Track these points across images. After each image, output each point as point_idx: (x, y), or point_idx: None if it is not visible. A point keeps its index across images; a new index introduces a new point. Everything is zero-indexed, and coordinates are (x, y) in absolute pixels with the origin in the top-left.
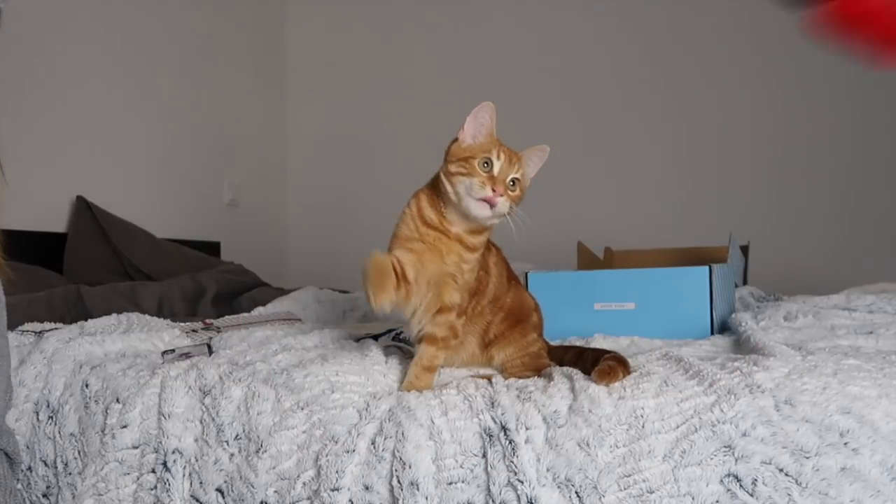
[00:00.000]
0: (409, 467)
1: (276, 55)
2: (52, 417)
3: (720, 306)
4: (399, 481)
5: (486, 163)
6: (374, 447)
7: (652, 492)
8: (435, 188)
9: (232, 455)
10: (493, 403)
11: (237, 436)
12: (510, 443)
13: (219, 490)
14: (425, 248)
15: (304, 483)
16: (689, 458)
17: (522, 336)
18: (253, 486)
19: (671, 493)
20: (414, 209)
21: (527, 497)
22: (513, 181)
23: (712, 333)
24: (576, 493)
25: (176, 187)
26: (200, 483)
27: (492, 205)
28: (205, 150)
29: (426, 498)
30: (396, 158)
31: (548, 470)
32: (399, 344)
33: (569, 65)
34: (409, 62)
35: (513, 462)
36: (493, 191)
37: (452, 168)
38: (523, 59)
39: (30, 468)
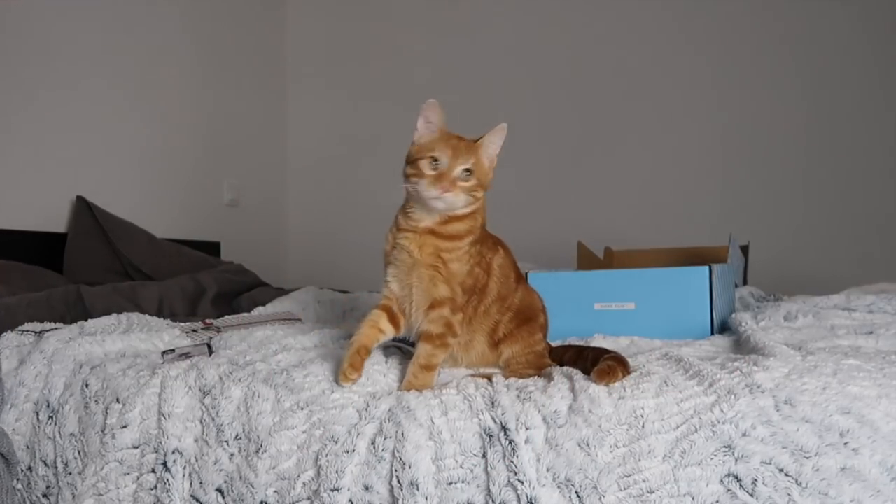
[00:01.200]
0: (409, 467)
1: (276, 55)
2: (52, 417)
3: (720, 306)
4: (399, 481)
5: (434, 160)
6: (374, 447)
7: (652, 492)
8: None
9: (232, 455)
10: (493, 403)
11: (237, 436)
12: (510, 443)
13: (219, 490)
14: (400, 250)
15: (304, 483)
16: (689, 458)
17: (530, 335)
18: (253, 486)
19: (671, 493)
20: (392, 223)
21: (527, 497)
22: (466, 171)
23: (712, 333)
24: (576, 493)
25: (176, 187)
26: (200, 483)
27: (443, 200)
28: (205, 150)
29: (426, 498)
30: (397, 158)
31: (548, 470)
32: (399, 344)
33: (569, 65)
34: (409, 62)
35: (513, 462)
36: (441, 188)
37: (408, 171)
38: (524, 58)
39: (30, 468)
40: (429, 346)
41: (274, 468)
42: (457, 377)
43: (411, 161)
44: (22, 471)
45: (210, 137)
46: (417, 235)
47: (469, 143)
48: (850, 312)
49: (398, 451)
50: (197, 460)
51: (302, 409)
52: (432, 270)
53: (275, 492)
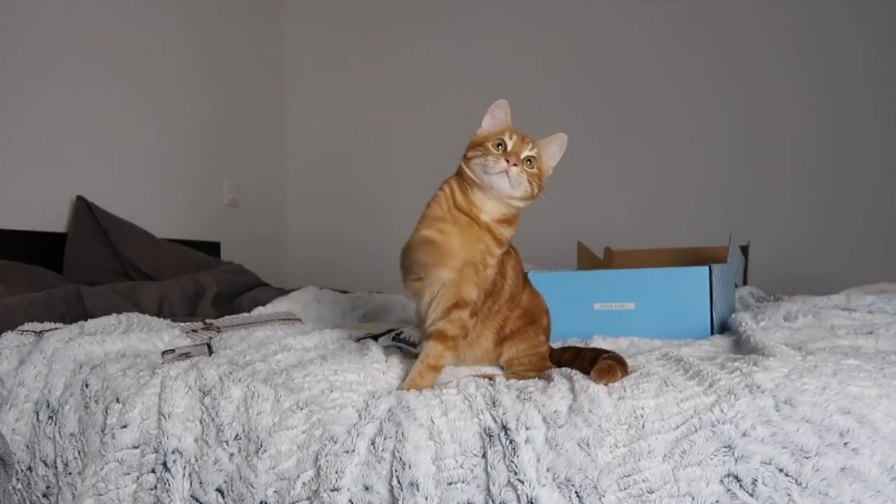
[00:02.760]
0: (409, 467)
1: (276, 54)
2: (52, 417)
3: (720, 306)
4: (399, 481)
5: (500, 144)
6: (374, 447)
7: (652, 492)
8: (461, 177)
9: (232, 455)
10: (493, 403)
11: (237, 436)
12: (510, 443)
13: (219, 490)
14: (455, 231)
15: (303, 483)
16: (689, 458)
17: (535, 335)
18: (253, 487)
19: (671, 493)
20: (447, 191)
21: (527, 497)
22: (528, 159)
23: (712, 334)
24: (576, 493)
25: (176, 187)
26: (200, 483)
27: (508, 175)
28: (205, 150)
29: (426, 498)
30: (396, 157)
31: (548, 470)
32: (399, 344)
33: (569, 64)
34: (409, 61)
35: (513, 462)
36: (507, 161)
37: (469, 153)
38: (524, 58)
39: (30, 468)
40: (440, 346)
41: (274, 468)
42: (458, 376)
43: (475, 145)
44: (21, 471)
45: (210, 137)
46: (477, 227)
47: (533, 139)
48: (850, 312)
49: (398, 452)
50: (197, 460)
51: (301, 409)
52: (471, 269)
53: (275, 492)
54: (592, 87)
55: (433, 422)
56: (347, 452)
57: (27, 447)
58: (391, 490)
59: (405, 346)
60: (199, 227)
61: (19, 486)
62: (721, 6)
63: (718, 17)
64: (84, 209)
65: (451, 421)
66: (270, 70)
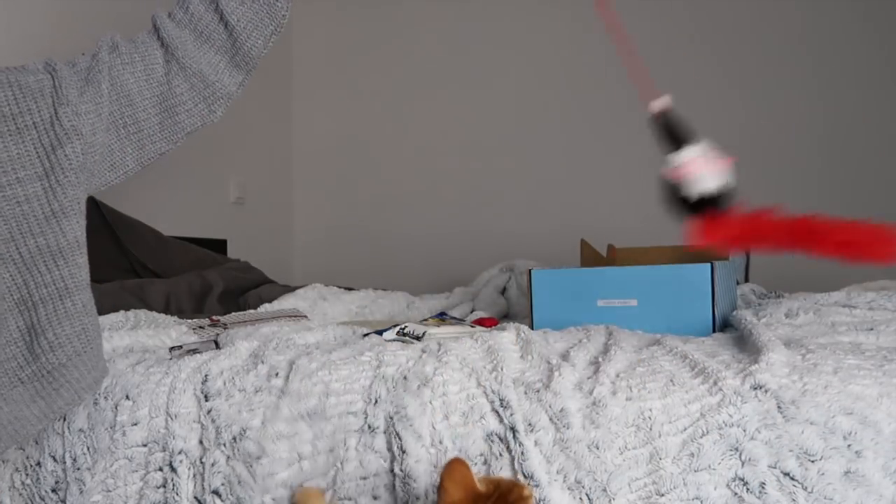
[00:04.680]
0: (410, 475)
1: (282, 51)
2: None
3: (722, 303)
4: (400, 485)
5: None
6: (375, 451)
7: (662, 495)
8: None
9: (229, 458)
10: (501, 402)
11: (235, 439)
12: (519, 445)
13: (216, 492)
14: None
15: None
16: (697, 461)
17: None
18: (252, 490)
19: (681, 497)
20: None
21: (536, 500)
22: None
23: (714, 330)
24: (586, 495)
25: (182, 185)
26: (202, 486)
27: None
28: (211, 148)
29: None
30: (403, 156)
31: (557, 472)
32: (404, 338)
33: (574, 61)
34: (416, 60)
35: (521, 465)
36: None
37: None
38: (529, 56)
39: (38, 463)
40: None
41: (272, 474)
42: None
43: None
44: (31, 466)
45: (216, 135)
46: None
47: None
48: (850, 309)
49: (398, 455)
50: (201, 462)
51: (300, 412)
52: None
53: (273, 498)
54: (595, 84)
55: (434, 427)
56: (347, 459)
57: (36, 442)
58: (393, 493)
59: (410, 339)
60: (206, 225)
61: (28, 480)
62: (723, 5)
63: (721, 15)
64: (92, 207)
65: (453, 427)
66: (277, 67)
